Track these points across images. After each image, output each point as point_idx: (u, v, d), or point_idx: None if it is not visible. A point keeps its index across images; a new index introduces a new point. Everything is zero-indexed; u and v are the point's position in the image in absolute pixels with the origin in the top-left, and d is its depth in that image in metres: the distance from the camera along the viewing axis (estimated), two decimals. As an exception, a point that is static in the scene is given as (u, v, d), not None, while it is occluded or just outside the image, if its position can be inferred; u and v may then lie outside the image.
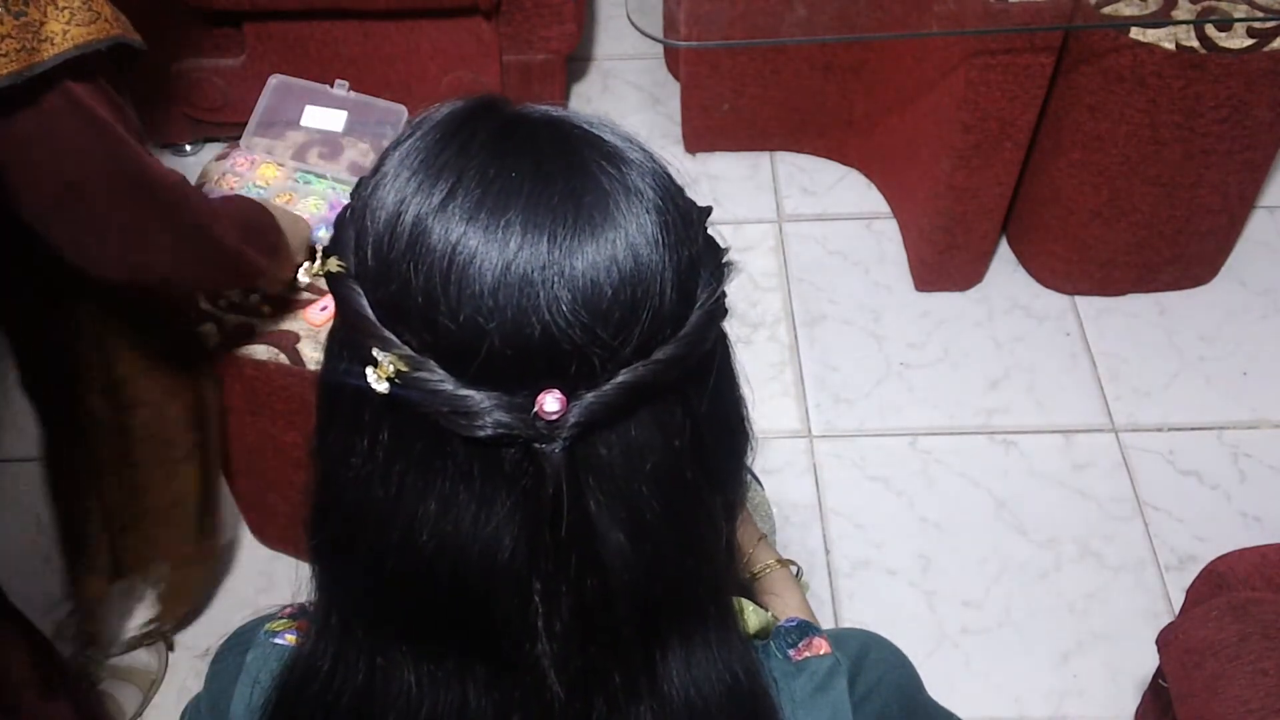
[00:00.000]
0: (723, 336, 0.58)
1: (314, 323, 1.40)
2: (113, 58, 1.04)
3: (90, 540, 1.54)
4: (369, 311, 0.52)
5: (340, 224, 0.56)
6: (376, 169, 0.55)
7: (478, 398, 0.50)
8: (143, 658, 1.70)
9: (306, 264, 0.57)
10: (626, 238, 0.51)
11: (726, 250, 0.57)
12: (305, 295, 1.44)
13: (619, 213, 0.51)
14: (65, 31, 0.95)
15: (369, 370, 0.51)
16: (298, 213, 1.43)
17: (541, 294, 0.50)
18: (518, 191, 0.51)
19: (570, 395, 0.50)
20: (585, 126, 0.54)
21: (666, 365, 0.52)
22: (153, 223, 1.09)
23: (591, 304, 0.50)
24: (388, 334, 0.52)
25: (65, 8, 0.96)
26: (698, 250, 0.55)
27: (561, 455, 0.50)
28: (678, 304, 0.53)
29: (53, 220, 1.05)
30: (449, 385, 0.51)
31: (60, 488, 1.51)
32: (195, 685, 0.95)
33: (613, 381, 0.51)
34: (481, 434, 0.50)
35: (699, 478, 0.56)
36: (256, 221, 1.27)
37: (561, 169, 0.52)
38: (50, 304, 1.33)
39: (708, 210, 0.57)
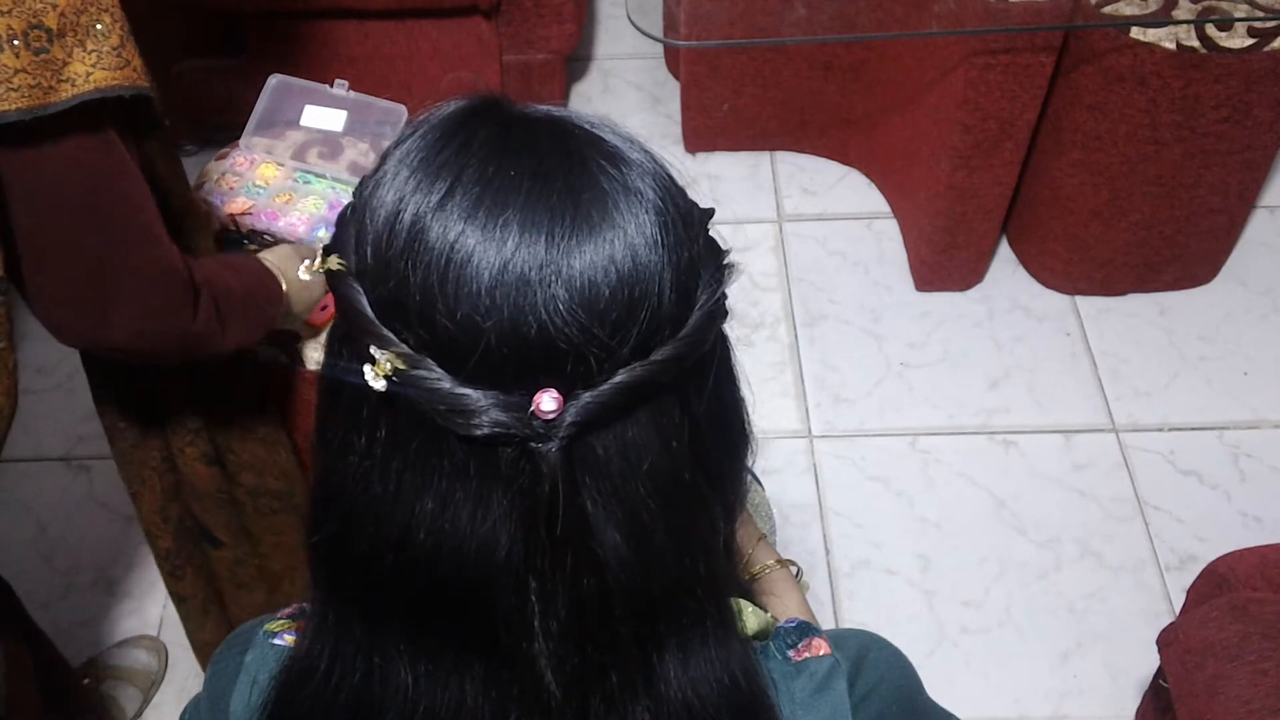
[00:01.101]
0: (723, 338, 0.58)
1: (314, 323, 1.40)
2: (132, 116, 0.97)
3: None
4: (367, 309, 0.53)
5: (341, 222, 0.56)
6: (377, 168, 0.55)
7: (474, 396, 0.50)
8: (143, 658, 1.70)
9: (307, 262, 0.57)
10: (625, 238, 0.51)
11: (727, 252, 0.57)
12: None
13: (618, 213, 0.51)
14: (89, 74, 0.89)
15: (367, 368, 0.51)
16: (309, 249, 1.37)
17: (538, 293, 0.50)
18: (516, 190, 0.51)
19: (567, 395, 0.50)
20: (586, 126, 0.54)
21: (664, 366, 0.52)
22: (125, 302, 1.00)
23: (589, 304, 0.50)
24: (386, 332, 0.52)
25: (94, 50, 0.90)
26: (698, 251, 0.55)
27: (558, 455, 0.50)
28: (677, 305, 0.53)
29: (21, 268, 0.96)
30: (446, 383, 0.51)
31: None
32: (195, 685, 0.95)
33: (610, 381, 0.51)
34: (478, 432, 0.50)
35: (697, 478, 0.56)
36: (257, 301, 1.17)
37: (561, 169, 0.52)
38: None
39: (710, 212, 0.57)
